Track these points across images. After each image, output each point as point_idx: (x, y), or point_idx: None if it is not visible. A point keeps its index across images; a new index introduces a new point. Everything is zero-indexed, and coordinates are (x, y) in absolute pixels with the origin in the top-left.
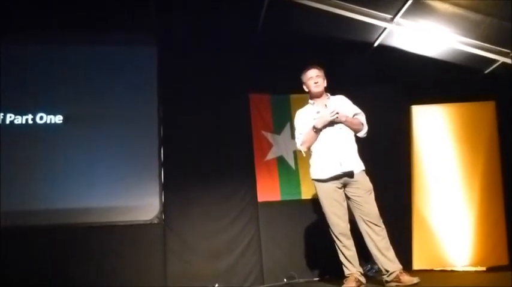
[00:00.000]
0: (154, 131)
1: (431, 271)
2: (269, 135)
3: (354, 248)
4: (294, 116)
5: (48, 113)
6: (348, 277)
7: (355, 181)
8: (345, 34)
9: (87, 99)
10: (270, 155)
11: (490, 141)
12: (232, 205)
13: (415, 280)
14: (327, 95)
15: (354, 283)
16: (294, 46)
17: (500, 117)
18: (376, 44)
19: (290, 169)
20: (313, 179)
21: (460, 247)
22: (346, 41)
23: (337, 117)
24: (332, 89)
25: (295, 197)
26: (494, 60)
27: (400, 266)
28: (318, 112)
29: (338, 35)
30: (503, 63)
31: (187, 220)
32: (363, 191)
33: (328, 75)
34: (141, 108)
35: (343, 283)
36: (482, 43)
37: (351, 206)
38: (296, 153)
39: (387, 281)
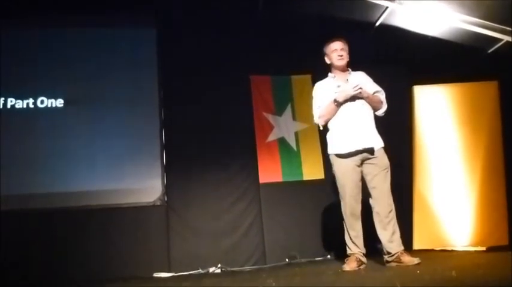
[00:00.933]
0: (155, 113)
1: (432, 250)
2: (270, 117)
3: (361, 230)
4: (295, 97)
5: (48, 97)
6: (349, 256)
7: (374, 158)
8: (347, 14)
9: (88, 82)
10: (271, 137)
11: (493, 121)
12: (234, 187)
13: (416, 260)
14: (348, 70)
15: (355, 263)
16: (295, 26)
17: (503, 97)
18: (378, 24)
19: (291, 150)
20: (330, 154)
21: (461, 227)
22: (347, 21)
23: (360, 93)
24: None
25: (297, 178)
26: (497, 39)
27: (402, 248)
28: (338, 86)
29: (339, 15)
30: (507, 42)
31: (189, 202)
32: (380, 169)
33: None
34: (142, 91)
35: (344, 263)
36: (485, 21)
37: (366, 182)
38: (297, 134)
39: (388, 261)
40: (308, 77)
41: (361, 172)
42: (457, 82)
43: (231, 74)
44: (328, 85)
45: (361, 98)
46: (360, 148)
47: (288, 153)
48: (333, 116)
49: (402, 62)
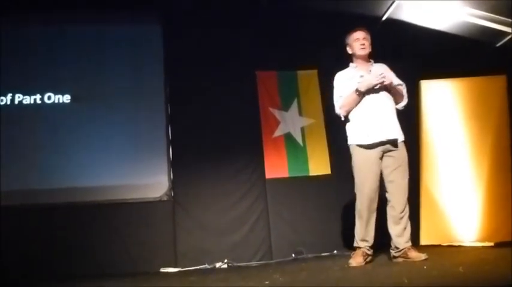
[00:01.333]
0: (162, 109)
1: (439, 246)
2: (276, 112)
3: (373, 224)
4: (301, 93)
5: (56, 93)
6: (355, 250)
7: (395, 150)
8: (353, 8)
9: (95, 78)
10: (278, 132)
11: (501, 116)
12: (241, 182)
13: (423, 256)
14: (371, 61)
15: (361, 257)
16: (301, 21)
17: None
18: (384, 18)
19: (298, 146)
20: (351, 145)
21: (468, 222)
22: (354, 15)
23: (383, 82)
24: (339, 61)
25: (303, 174)
26: (505, 33)
27: (410, 244)
28: (361, 76)
29: (346, 9)
30: None
31: (196, 197)
32: (399, 162)
33: (336, 49)
34: (148, 87)
35: (350, 257)
36: (493, 15)
37: (383, 175)
38: (304, 129)
39: (395, 257)
40: (314, 72)
41: (381, 165)
42: (465, 77)
43: (237, 69)
44: (350, 75)
45: (384, 89)
46: (384, 139)
47: (295, 148)
48: (354, 106)
49: (409, 57)
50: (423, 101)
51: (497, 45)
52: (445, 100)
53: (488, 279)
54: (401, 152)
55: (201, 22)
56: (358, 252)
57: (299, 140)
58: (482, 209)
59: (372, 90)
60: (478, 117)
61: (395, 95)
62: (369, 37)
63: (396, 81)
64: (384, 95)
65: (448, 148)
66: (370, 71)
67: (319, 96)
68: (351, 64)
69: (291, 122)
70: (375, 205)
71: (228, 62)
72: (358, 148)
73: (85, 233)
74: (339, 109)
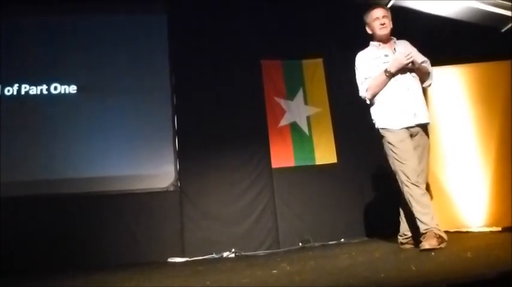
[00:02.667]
0: (167, 99)
1: (446, 232)
2: (282, 102)
3: (428, 199)
4: (307, 82)
5: (62, 83)
6: (425, 233)
7: (422, 134)
8: None
9: (100, 69)
10: (283, 122)
11: (506, 101)
12: (247, 172)
13: (427, 246)
14: (393, 39)
15: (435, 239)
16: (305, 10)
17: None
18: (389, 5)
19: (303, 135)
20: (380, 128)
21: (475, 208)
22: (358, 3)
23: (412, 63)
24: (344, 49)
25: (309, 163)
26: (510, 18)
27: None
28: (386, 55)
29: None
30: None
31: (202, 187)
32: (423, 146)
33: (339, 37)
34: (154, 77)
35: (359, 246)
36: (498, 0)
37: None
38: (309, 118)
39: (402, 243)
40: (319, 60)
41: None
42: (470, 62)
43: (242, 59)
44: (374, 55)
45: (411, 69)
46: (413, 124)
47: (300, 137)
48: (382, 88)
49: (414, 44)
50: (429, 87)
51: (502, 30)
52: (450, 86)
53: (497, 264)
54: (427, 135)
55: (205, 12)
56: (430, 234)
57: (305, 129)
58: (489, 195)
59: (399, 70)
60: (484, 103)
61: (422, 74)
62: (389, 14)
63: (421, 58)
64: (410, 75)
65: (454, 133)
66: (394, 49)
67: (325, 85)
68: (371, 43)
69: (296, 111)
70: (423, 179)
71: (233, 51)
72: (386, 131)
73: (92, 224)
74: (365, 92)
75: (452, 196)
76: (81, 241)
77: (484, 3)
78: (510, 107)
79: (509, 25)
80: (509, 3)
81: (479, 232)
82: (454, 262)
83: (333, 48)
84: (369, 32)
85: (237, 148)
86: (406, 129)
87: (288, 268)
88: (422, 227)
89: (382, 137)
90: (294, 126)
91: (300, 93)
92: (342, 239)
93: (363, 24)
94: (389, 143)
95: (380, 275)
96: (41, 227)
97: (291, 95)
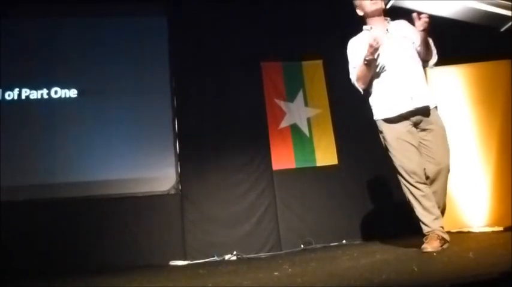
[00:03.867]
0: (168, 102)
1: (448, 232)
2: (282, 103)
3: (432, 200)
4: (307, 83)
5: (62, 88)
6: (427, 235)
7: (428, 120)
8: None
9: (100, 72)
10: (284, 123)
11: (506, 100)
12: (248, 174)
13: (429, 248)
14: (387, 19)
15: (437, 241)
16: (305, 11)
17: None
18: (388, 6)
19: (304, 136)
20: (377, 120)
21: (477, 208)
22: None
23: (425, 24)
24: (344, 50)
25: (310, 164)
26: (509, 17)
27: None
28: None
29: None
30: None
31: (203, 190)
32: (435, 133)
33: (339, 38)
34: (154, 80)
35: (360, 247)
36: (497, 0)
37: (420, 151)
38: (310, 120)
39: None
40: (319, 62)
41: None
42: (470, 62)
43: (242, 61)
44: (364, 40)
45: (409, 49)
46: (411, 108)
47: (301, 139)
48: (369, 76)
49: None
50: (429, 87)
51: (502, 30)
52: (451, 86)
53: (499, 264)
54: (436, 121)
55: (205, 14)
56: (433, 235)
57: (305, 130)
58: (491, 194)
59: (392, 54)
60: (484, 103)
61: (425, 50)
62: None
63: (418, 38)
64: (407, 58)
65: (455, 133)
66: (387, 30)
67: (325, 86)
68: (364, 27)
69: (296, 112)
70: (424, 179)
71: (233, 53)
72: (384, 123)
73: (93, 227)
74: (356, 82)
75: (454, 196)
76: (82, 245)
77: (483, 3)
78: (510, 107)
79: (509, 24)
80: (508, 3)
81: (481, 232)
82: (456, 262)
83: (333, 50)
84: (360, 13)
85: (238, 150)
86: (405, 121)
87: (289, 270)
88: (424, 229)
89: (380, 131)
90: (295, 128)
91: (300, 95)
92: (344, 241)
93: (354, 7)
94: (385, 140)
95: (382, 276)
96: (42, 231)
97: (291, 97)
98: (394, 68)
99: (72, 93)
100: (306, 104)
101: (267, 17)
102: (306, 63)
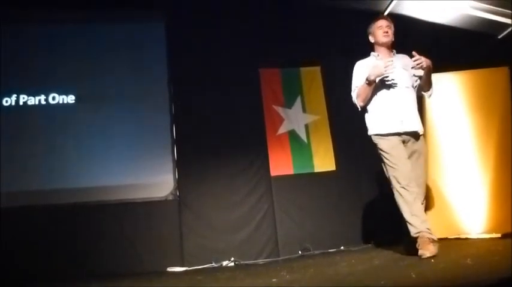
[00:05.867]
0: (166, 107)
1: (446, 239)
2: (280, 110)
3: (420, 206)
4: (305, 90)
5: (60, 93)
6: (419, 238)
7: (414, 142)
8: (355, 4)
9: (98, 78)
10: (282, 129)
11: (504, 107)
12: (246, 180)
13: (428, 254)
14: (393, 51)
15: (431, 245)
16: (303, 18)
17: None
18: (386, 13)
19: (302, 143)
20: (371, 135)
21: (475, 214)
22: (355, 10)
23: (419, 65)
24: (342, 57)
25: (308, 171)
26: (507, 25)
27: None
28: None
29: (347, 5)
30: None
31: (201, 196)
32: (419, 152)
33: (337, 45)
34: (152, 86)
35: (358, 253)
36: (495, 7)
37: None
38: (308, 126)
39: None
40: (317, 68)
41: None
42: (468, 69)
43: (240, 67)
44: (370, 64)
45: (407, 77)
46: (400, 130)
47: (299, 145)
48: (369, 96)
49: (411, 51)
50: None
51: (499, 37)
52: (448, 93)
53: (497, 270)
54: (421, 143)
55: (203, 21)
56: (424, 240)
57: (303, 137)
58: (489, 201)
59: (392, 81)
60: (482, 109)
61: (426, 82)
62: (392, 26)
63: (419, 72)
64: (404, 85)
65: (453, 140)
66: (392, 61)
67: (323, 93)
68: (372, 53)
69: (295, 119)
70: (415, 185)
71: (231, 60)
72: (378, 137)
73: (91, 234)
74: (356, 99)
75: (452, 203)
76: (80, 251)
77: (481, 10)
78: (508, 113)
79: (506, 32)
80: (506, 11)
81: (479, 239)
82: (454, 269)
83: (331, 56)
84: (371, 40)
85: (236, 156)
86: (397, 136)
87: (287, 276)
88: (412, 231)
89: (375, 144)
90: (293, 134)
91: (298, 101)
92: (342, 247)
93: (363, 32)
94: (381, 149)
95: (380, 283)
96: (40, 237)
97: (289, 103)
98: (391, 93)
99: (70, 99)
100: (304, 111)
101: (266, 23)
102: (304, 70)
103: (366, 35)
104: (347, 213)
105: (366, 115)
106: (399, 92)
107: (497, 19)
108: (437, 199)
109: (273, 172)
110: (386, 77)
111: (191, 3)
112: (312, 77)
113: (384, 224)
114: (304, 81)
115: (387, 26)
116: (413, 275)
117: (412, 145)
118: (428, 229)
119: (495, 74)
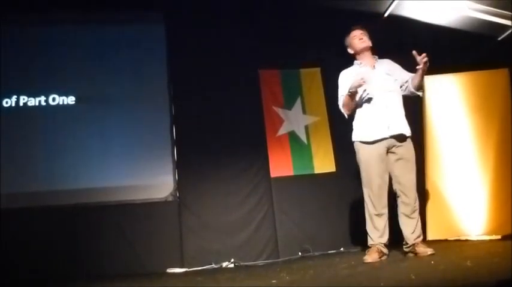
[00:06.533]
0: (166, 109)
1: (446, 240)
2: (280, 111)
3: (386, 219)
4: (304, 91)
5: (60, 95)
6: (370, 247)
7: (401, 146)
8: (355, 5)
9: (99, 79)
10: (282, 131)
11: (504, 109)
12: (246, 181)
13: (429, 251)
14: (375, 57)
15: (376, 254)
16: (303, 19)
17: None
18: (386, 15)
19: (302, 144)
20: (355, 141)
21: (474, 216)
22: (356, 12)
23: (425, 61)
24: (342, 58)
25: (308, 172)
26: (507, 26)
27: (420, 239)
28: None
29: (347, 7)
30: None
31: (201, 197)
32: (405, 159)
33: (337, 46)
34: (152, 87)
35: (358, 255)
36: (494, 9)
37: (390, 173)
38: (307, 127)
39: (406, 252)
40: (317, 70)
41: (387, 161)
42: (468, 71)
43: (240, 68)
44: (354, 72)
45: (390, 83)
46: (387, 135)
47: (299, 146)
48: (353, 105)
49: (410, 52)
50: (427, 96)
51: (499, 39)
52: (448, 95)
53: (497, 272)
54: (408, 148)
55: (203, 22)
56: (373, 248)
57: (303, 138)
58: (489, 203)
59: (376, 87)
60: (482, 111)
61: (418, 83)
62: (366, 33)
63: (405, 75)
64: (388, 92)
65: (453, 142)
66: (374, 66)
67: (323, 94)
68: (355, 62)
69: (294, 120)
70: (384, 201)
71: (231, 61)
72: (361, 144)
73: (91, 235)
74: (341, 108)
75: (452, 204)
76: (79, 252)
77: (481, 12)
78: (508, 115)
79: (506, 33)
80: (506, 12)
81: (479, 240)
82: (453, 270)
83: (331, 57)
84: (351, 52)
85: (236, 157)
86: (380, 144)
87: (287, 277)
88: (369, 242)
89: (356, 151)
90: (293, 136)
91: (298, 103)
92: (342, 249)
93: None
94: (359, 159)
95: (379, 284)
96: (40, 238)
97: (289, 104)
98: (376, 99)
99: (70, 100)
100: (304, 112)
101: (266, 25)
102: (304, 71)
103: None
104: (347, 214)
105: (353, 122)
106: (384, 97)
107: (498, 21)
108: (438, 200)
109: (273, 173)
110: (369, 84)
111: (191, 3)
112: (312, 78)
113: (390, 226)
114: (304, 82)
115: (361, 33)
116: (413, 277)
117: (399, 149)
118: (383, 243)
119: (495, 76)
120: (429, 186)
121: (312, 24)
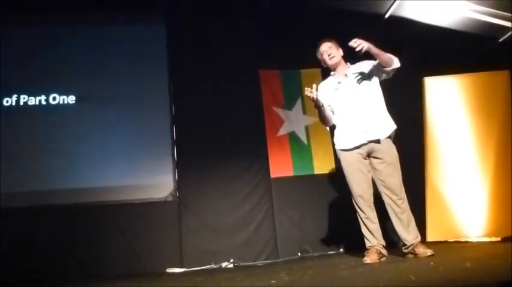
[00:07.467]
0: (166, 109)
1: (445, 242)
2: (280, 111)
3: (377, 221)
4: (305, 91)
5: (60, 94)
6: (369, 249)
7: (380, 150)
8: (356, 6)
9: (99, 79)
10: (282, 131)
11: (504, 111)
12: (246, 181)
13: (429, 252)
14: (347, 65)
15: (376, 255)
16: (304, 20)
17: None
18: (387, 16)
19: (302, 144)
20: (337, 149)
21: (474, 217)
22: (356, 13)
23: (360, 48)
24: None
25: (308, 172)
26: (508, 28)
27: (418, 239)
28: (339, 82)
29: (348, 7)
30: None
31: (201, 197)
32: (387, 162)
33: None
34: (153, 87)
35: (358, 256)
36: (495, 11)
37: (374, 176)
38: (308, 128)
39: (405, 253)
40: (317, 70)
41: (369, 164)
42: (468, 72)
43: (240, 68)
44: (330, 83)
45: (363, 89)
46: (364, 141)
47: (299, 147)
48: (325, 117)
49: (413, 54)
50: (427, 97)
51: (500, 40)
52: (449, 96)
53: (496, 274)
54: (388, 151)
55: (204, 22)
56: (372, 250)
57: (303, 138)
58: (489, 204)
59: (349, 94)
60: (482, 113)
61: (381, 59)
62: (334, 44)
63: (370, 64)
64: (363, 97)
65: (453, 143)
66: (346, 75)
67: None
68: (331, 73)
69: (295, 120)
70: (371, 205)
71: (231, 61)
72: (342, 151)
73: (90, 234)
74: (320, 120)
75: (451, 206)
76: (79, 252)
77: (481, 13)
78: (508, 117)
79: (507, 35)
80: (507, 14)
81: (479, 242)
82: (453, 272)
83: None
84: (324, 65)
85: (236, 158)
86: (359, 151)
87: (286, 278)
88: (367, 244)
89: (339, 158)
90: (293, 136)
91: (299, 103)
92: (341, 249)
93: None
94: (342, 165)
95: (379, 285)
96: (39, 238)
97: (289, 105)
98: (351, 107)
99: (71, 99)
100: (305, 112)
101: (266, 25)
102: (304, 72)
103: (366, 36)
104: (347, 215)
105: (335, 130)
106: (359, 103)
107: (498, 22)
108: (438, 202)
109: (273, 174)
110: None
111: (191, 3)
112: (312, 78)
113: (383, 227)
114: (305, 82)
115: (329, 47)
116: (413, 278)
117: (378, 153)
118: (381, 244)
119: (495, 78)
120: (429, 188)
121: (312, 24)
